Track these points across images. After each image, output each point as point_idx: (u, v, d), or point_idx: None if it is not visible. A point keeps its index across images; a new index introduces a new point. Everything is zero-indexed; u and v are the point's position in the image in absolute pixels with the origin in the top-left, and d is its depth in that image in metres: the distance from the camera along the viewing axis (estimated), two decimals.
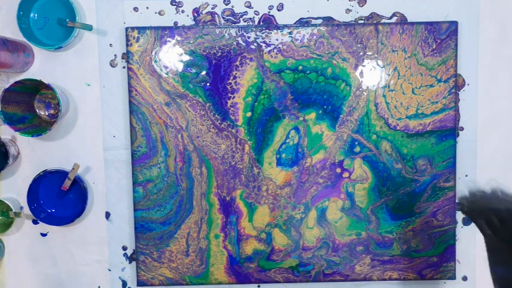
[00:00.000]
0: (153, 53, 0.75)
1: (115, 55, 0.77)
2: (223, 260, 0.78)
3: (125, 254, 0.79)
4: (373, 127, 0.76)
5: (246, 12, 0.77)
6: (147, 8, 0.76)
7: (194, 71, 0.75)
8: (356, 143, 0.76)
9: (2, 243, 0.79)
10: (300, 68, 0.75)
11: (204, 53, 0.75)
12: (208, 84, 0.75)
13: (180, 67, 0.75)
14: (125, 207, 0.78)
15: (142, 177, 0.76)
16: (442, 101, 0.76)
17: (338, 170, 0.77)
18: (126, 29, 0.75)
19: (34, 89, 0.77)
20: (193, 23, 0.77)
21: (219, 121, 0.76)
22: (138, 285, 0.78)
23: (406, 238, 0.77)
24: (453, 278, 0.78)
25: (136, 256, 0.78)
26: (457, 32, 0.75)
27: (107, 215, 0.79)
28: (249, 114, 0.76)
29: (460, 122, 0.77)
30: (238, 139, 0.76)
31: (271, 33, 0.75)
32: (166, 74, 0.75)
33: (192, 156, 0.76)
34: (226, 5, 0.76)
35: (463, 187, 0.58)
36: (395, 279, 0.78)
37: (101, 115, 0.78)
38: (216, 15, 0.76)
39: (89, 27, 0.74)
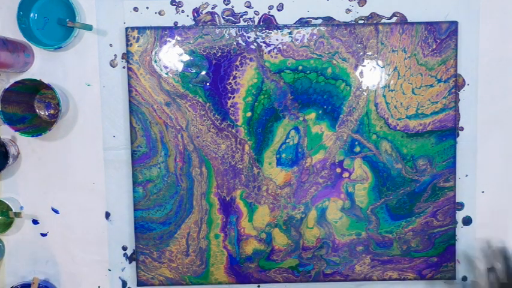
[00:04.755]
0: (153, 53, 0.75)
1: (115, 55, 0.77)
2: (223, 260, 0.78)
3: (125, 254, 0.79)
4: (373, 127, 0.76)
5: (246, 12, 0.77)
6: (147, 8, 0.76)
7: (194, 71, 0.75)
8: (356, 143, 0.76)
9: (2, 243, 0.79)
10: (300, 68, 0.75)
11: (204, 53, 0.75)
12: (208, 84, 0.75)
13: (180, 67, 0.75)
14: (125, 207, 0.78)
15: (142, 177, 0.76)
16: (442, 101, 0.76)
17: (338, 170, 0.77)
18: (126, 29, 0.75)
19: (34, 89, 0.77)
20: (193, 23, 0.77)
21: (219, 121, 0.76)
22: (138, 285, 0.78)
23: (406, 238, 0.77)
24: (453, 278, 0.78)
25: (136, 256, 0.78)
26: (457, 32, 0.75)
27: (107, 215, 0.79)
28: (249, 114, 0.76)
29: (460, 122, 0.77)
30: (238, 139, 0.76)
31: (271, 33, 0.75)
32: (166, 74, 0.75)
33: (192, 156, 0.76)
34: (226, 5, 0.76)
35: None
36: (395, 279, 0.78)
37: (101, 115, 0.78)
38: (216, 15, 0.76)
39: (89, 27, 0.74)
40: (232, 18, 0.77)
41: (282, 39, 0.75)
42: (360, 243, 0.78)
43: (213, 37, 0.75)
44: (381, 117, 0.76)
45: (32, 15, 0.76)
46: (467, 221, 0.79)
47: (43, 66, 0.77)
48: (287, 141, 0.76)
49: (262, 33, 0.75)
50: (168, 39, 0.75)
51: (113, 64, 0.77)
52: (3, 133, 0.78)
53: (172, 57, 0.75)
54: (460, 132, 0.78)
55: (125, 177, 0.78)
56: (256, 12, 0.77)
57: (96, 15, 0.76)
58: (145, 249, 0.77)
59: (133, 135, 0.76)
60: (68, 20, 0.74)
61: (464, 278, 0.79)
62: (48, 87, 0.72)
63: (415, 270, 0.78)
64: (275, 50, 0.75)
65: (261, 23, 0.77)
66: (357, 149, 0.76)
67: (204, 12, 0.76)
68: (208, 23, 0.76)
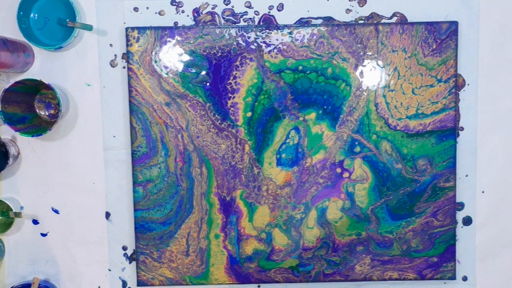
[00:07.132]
0: (153, 53, 0.75)
1: (115, 55, 0.77)
2: (224, 260, 0.78)
3: (125, 254, 0.79)
4: (373, 127, 0.76)
5: (246, 12, 0.77)
6: (147, 8, 0.76)
7: (194, 71, 0.75)
8: (356, 143, 0.76)
9: (2, 243, 0.79)
10: (300, 68, 0.75)
11: (204, 53, 0.75)
12: (208, 84, 0.75)
13: (180, 67, 0.75)
14: (125, 207, 0.78)
15: (142, 177, 0.76)
16: (442, 101, 0.76)
17: (338, 170, 0.77)
18: (126, 29, 0.75)
19: (34, 89, 0.77)
20: (193, 23, 0.77)
21: (219, 121, 0.76)
22: (138, 285, 0.78)
23: (406, 238, 0.77)
24: (453, 278, 0.78)
25: (136, 256, 0.78)
26: (457, 32, 0.75)
27: (107, 215, 0.79)
28: (249, 114, 0.76)
29: (460, 122, 0.78)
30: (238, 139, 0.76)
31: (271, 33, 0.75)
32: (167, 74, 0.75)
33: (192, 156, 0.76)
34: (226, 5, 0.76)
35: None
36: (396, 279, 0.78)
37: (101, 115, 0.78)
38: (216, 15, 0.77)
39: (89, 27, 0.74)
40: (232, 18, 0.77)
41: (282, 39, 0.75)
42: (360, 243, 0.78)
43: (213, 37, 0.75)
44: (381, 117, 0.76)
45: (32, 15, 0.76)
46: (467, 221, 0.79)
47: (43, 66, 0.77)
48: (287, 141, 0.76)
49: (262, 33, 0.75)
50: (168, 39, 0.75)
51: (113, 64, 0.77)
52: (3, 133, 0.78)
53: (172, 57, 0.75)
54: (460, 132, 0.78)
55: (125, 177, 0.78)
56: (257, 12, 0.77)
57: (96, 15, 0.76)
58: (145, 249, 0.77)
59: (133, 135, 0.76)
60: (68, 20, 0.74)
61: (464, 278, 0.79)
62: (48, 87, 0.72)
63: (415, 270, 0.78)
64: (275, 50, 0.75)
65: (261, 23, 0.77)
66: (357, 149, 0.76)
67: (204, 12, 0.76)
68: (209, 23, 0.76)
